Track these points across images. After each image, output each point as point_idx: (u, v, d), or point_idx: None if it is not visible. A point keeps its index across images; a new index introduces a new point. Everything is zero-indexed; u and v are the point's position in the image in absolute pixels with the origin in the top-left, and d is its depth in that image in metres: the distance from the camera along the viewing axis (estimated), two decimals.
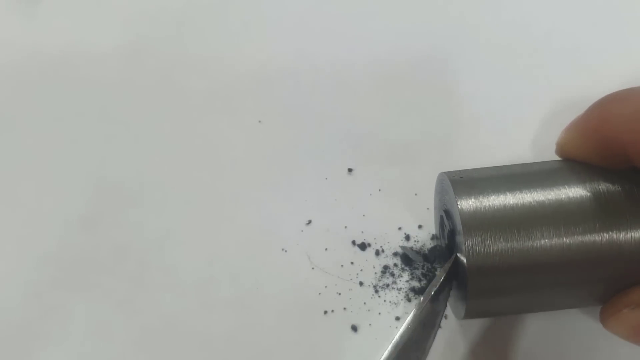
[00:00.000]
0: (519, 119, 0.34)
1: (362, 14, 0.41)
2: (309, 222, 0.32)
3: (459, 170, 0.26)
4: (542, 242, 0.22)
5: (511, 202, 0.22)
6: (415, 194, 0.33)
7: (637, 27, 0.37)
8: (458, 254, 0.24)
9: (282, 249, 0.32)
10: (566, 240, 0.22)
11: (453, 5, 0.40)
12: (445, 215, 0.26)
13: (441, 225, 0.28)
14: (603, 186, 0.22)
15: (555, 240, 0.22)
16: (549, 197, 0.22)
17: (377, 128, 0.36)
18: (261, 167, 0.35)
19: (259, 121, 0.37)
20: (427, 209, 0.32)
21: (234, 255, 0.32)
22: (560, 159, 0.26)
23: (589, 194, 0.22)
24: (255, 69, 0.39)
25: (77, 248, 0.33)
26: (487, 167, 0.25)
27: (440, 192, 0.27)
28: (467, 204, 0.23)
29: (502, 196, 0.23)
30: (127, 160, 0.36)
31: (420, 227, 0.31)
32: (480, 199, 0.23)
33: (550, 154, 0.26)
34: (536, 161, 0.25)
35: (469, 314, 0.24)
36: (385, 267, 0.30)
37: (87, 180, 0.35)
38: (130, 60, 0.41)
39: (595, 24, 0.38)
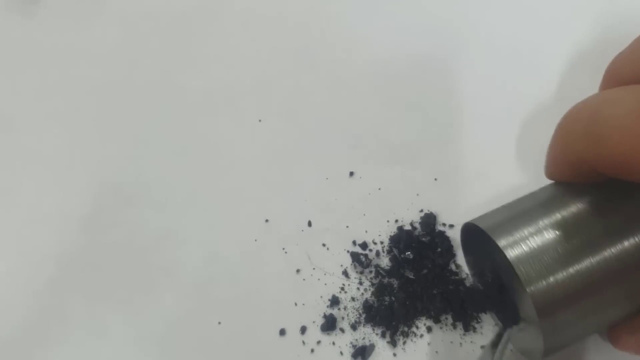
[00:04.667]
0: (519, 119, 0.34)
1: (362, 14, 0.41)
2: (309, 222, 0.32)
3: (478, 218, 0.25)
4: (589, 261, 0.22)
5: (548, 234, 0.22)
6: (417, 194, 0.33)
7: (637, 27, 0.37)
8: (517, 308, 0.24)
9: (282, 249, 0.32)
10: (606, 254, 0.22)
11: (453, 5, 0.40)
12: (486, 265, 0.26)
13: (479, 272, 0.27)
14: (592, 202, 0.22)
15: (597, 257, 0.22)
16: (568, 214, 0.22)
17: (377, 128, 0.36)
18: (261, 167, 0.35)
19: (259, 121, 0.37)
20: (428, 209, 0.32)
21: (234, 255, 0.32)
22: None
23: (588, 210, 0.22)
24: (255, 69, 0.39)
25: (77, 248, 0.33)
26: (502, 207, 0.25)
27: (472, 243, 0.27)
28: (513, 250, 0.22)
29: (539, 232, 0.22)
30: (127, 160, 0.36)
31: (420, 226, 0.31)
32: (520, 238, 0.22)
33: None
34: (537, 188, 0.25)
35: (549, 351, 0.23)
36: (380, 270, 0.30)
37: (87, 180, 0.35)
38: (130, 60, 0.41)
39: (596, 24, 0.38)
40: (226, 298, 0.30)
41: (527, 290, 0.21)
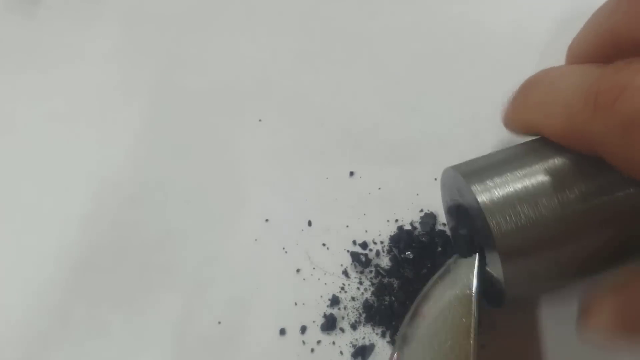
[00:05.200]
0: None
1: (362, 14, 0.41)
2: (309, 221, 0.32)
3: (458, 164, 0.26)
4: (560, 201, 0.22)
5: (520, 179, 0.23)
6: (417, 194, 0.33)
7: None
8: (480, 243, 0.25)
9: (283, 249, 0.32)
10: (572, 197, 0.22)
11: (453, 4, 0.40)
12: (458, 209, 0.26)
13: (454, 219, 0.28)
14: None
15: (569, 197, 0.22)
16: (545, 167, 0.23)
17: (377, 128, 0.36)
18: (261, 167, 0.35)
19: (259, 120, 0.37)
20: (428, 209, 0.32)
21: (234, 255, 0.32)
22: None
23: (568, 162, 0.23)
24: (255, 69, 0.39)
25: (77, 248, 0.33)
26: (479, 157, 0.26)
27: (449, 187, 0.27)
28: (480, 188, 0.23)
29: (508, 175, 0.23)
30: (127, 160, 0.36)
31: (419, 225, 0.31)
32: (491, 183, 0.23)
33: None
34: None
35: (510, 297, 0.24)
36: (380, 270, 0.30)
37: (87, 180, 0.35)
38: (130, 60, 0.41)
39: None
40: (226, 298, 0.30)
41: (493, 233, 0.22)
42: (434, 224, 0.31)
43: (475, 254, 0.25)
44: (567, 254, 0.23)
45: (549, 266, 0.23)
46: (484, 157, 0.26)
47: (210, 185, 0.34)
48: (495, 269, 0.23)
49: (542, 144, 0.24)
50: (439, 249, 0.30)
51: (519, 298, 0.25)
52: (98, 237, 0.33)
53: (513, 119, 0.26)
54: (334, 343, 0.29)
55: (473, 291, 0.24)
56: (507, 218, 0.22)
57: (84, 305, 0.31)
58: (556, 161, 0.23)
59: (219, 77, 0.39)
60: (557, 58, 0.36)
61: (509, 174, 0.23)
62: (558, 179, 0.22)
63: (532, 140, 0.25)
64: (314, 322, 0.29)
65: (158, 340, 0.30)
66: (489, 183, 0.23)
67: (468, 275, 0.25)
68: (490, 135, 0.34)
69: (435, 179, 0.33)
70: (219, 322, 0.30)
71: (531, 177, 0.23)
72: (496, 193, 0.23)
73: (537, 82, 0.25)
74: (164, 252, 0.32)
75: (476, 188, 0.23)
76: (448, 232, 0.31)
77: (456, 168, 0.25)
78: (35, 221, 0.34)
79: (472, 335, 0.23)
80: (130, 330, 0.30)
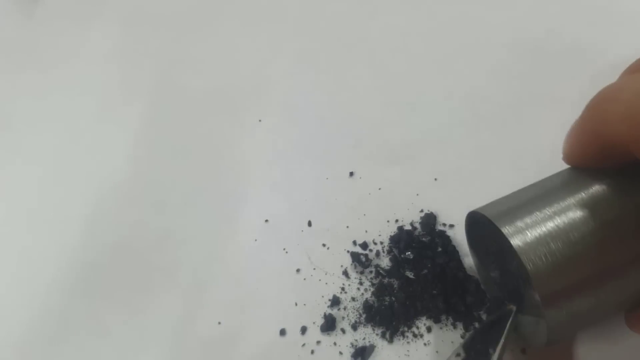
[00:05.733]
0: (519, 119, 0.34)
1: (362, 14, 0.41)
2: (310, 222, 0.32)
3: (485, 206, 0.25)
4: (592, 252, 0.21)
5: (553, 225, 0.22)
6: (417, 194, 0.33)
7: (637, 26, 0.37)
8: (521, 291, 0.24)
9: (283, 249, 0.32)
10: (611, 244, 0.21)
11: (454, 4, 0.40)
12: (493, 255, 0.26)
13: (485, 262, 0.27)
14: (618, 187, 0.22)
15: (601, 247, 0.21)
16: (573, 200, 0.22)
17: (377, 128, 0.36)
18: (261, 167, 0.35)
19: (259, 121, 0.37)
20: (428, 209, 0.32)
21: (234, 255, 0.32)
22: (568, 166, 0.25)
23: (605, 195, 0.22)
24: (255, 69, 0.39)
25: (77, 248, 0.33)
26: (509, 195, 0.25)
27: (475, 229, 0.27)
28: (512, 230, 0.22)
29: (537, 214, 0.22)
30: (128, 160, 0.36)
31: (419, 225, 0.31)
32: (525, 226, 0.22)
33: (550, 154, 0.26)
34: (547, 175, 0.25)
35: (552, 338, 0.23)
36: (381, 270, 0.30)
37: (87, 180, 0.35)
38: (130, 60, 0.41)
39: (596, 23, 0.38)
40: (226, 298, 0.30)
41: (532, 277, 0.21)
42: (434, 224, 0.31)
43: (511, 308, 0.24)
44: (608, 290, 0.22)
45: (590, 303, 0.22)
46: (508, 196, 0.25)
47: (210, 185, 0.34)
48: (535, 312, 0.22)
49: (571, 176, 0.23)
50: (439, 249, 0.30)
51: (562, 335, 0.24)
52: (98, 237, 0.33)
53: (589, 137, 0.23)
54: (334, 344, 0.29)
55: (500, 345, 0.24)
56: (544, 259, 0.21)
57: (84, 305, 0.31)
58: (588, 193, 0.22)
59: (219, 77, 0.39)
60: (558, 57, 0.37)
61: (538, 213, 0.22)
62: (591, 212, 0.21)
63: (559, 174, 0.24)
64: (314, 322, 0.29)
65: (158, 340, 0.30)
66: (520, 224, 0.22)
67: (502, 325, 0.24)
68: (490, 135, 0.34)
69: (435, 179, 0.33)
70: (219, 322, 0.30)
71: (561, 215, 0.21)
72: (529, 234, 0.21)
73: (620, 91, 0.22)
74: (164, 252, 0.32)
75: (507, 230, 0.22)
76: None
77: (483, 210, 0.24)
78: (35, 221, 0.34)
79: None
80: (130, 330, 0.30)
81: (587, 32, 0.37)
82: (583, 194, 0.22)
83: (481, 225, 0.25)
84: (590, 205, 0.22)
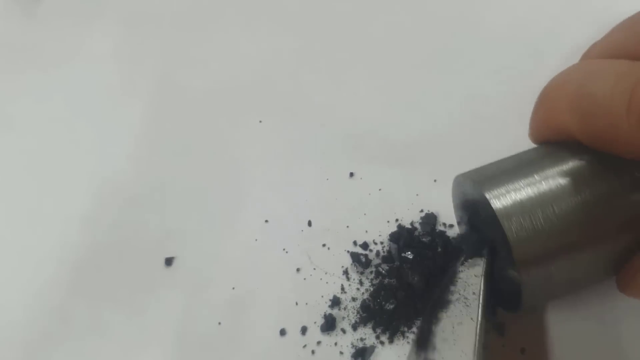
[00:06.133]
0: (519, 119, 0.34)
1: (361, 14, 0.41)
2: (310, 222, 0.32)
3: (470, 171, 0.25)
4: (577, 204, 0.22)
5: (533, 185, 0.22)
6: (417, 195, 0.33)
7: None
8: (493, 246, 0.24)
9: (283, 249, 0.32)
10: (591, 200, 0.22)
11: (453, 4, 0.40)
12: (471, 215, 0.26)
13: (467, 227, 0.27)
14: (587, 156, 0.23)
15: (582, 203, 0.22)
16: (559, 171, 0.23)
17: (377, 128, 0.36)
18: (261, 167, 0.35)
19: (259, 121, 0.37)
20: (428, 209, 0.32)
21: (234, 255, 0.32)
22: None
23: (583, 163, 0.22)
24: (256, 69, 0.39)
25: (77, 248, 0.33)
26: (491, 163, 0.26)
27: (461, 196, 0.27)
28: (494, 194, 0.22)
29: (522, 181, 0.23)
30: (127, 160, 0.36)
31: (420, 225, 0.31)
32: (505, 189, 0.23)
33: None
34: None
35: (528, 303, 0.24)
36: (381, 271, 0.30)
37: (87, 180, 0.35)
38: (130, 60, 0.41)
39: (595, 23, 0.38)
40: (226, 298, 0.30)
41: (509, 240, 0.21)
42: (434, 224, 0.31)
43: (483, 257, 0.25)
44: (585, 258, 0.22)
45: (567, 271, 0.22)
46: (495, 163, 0.25)
47: (210, 185, 0.34)
48: (513, 275, 0.23)
49: (556, 147, 0.24)
50: (439, 249, 0.30)
51: (537, 302, 0.25)
52: (98, 237, 0.33)
53: (540, 118, 0.24)
54: (335, 344, 0.29)
55: (480, 293, 0.24)
56: (523, 224, 0.21)
57: (84, 305, 0.31)
58: (572, 164, 0.22)
59: (219, 77, 0.39)
60: (557, 58, 0.37)
61: (523, 179, 0.23)
62: (574, 182, 0.22)
63: (545, 144, 0.25)
64: (314, 322, 0.29)
65: (158, 340, 0.30)
66: (503, 189, 0.22)
67: (476, 278, 0.25)
68: (490, 135, 0.34)
69: (435, 180, 0.33)
70: (219, 323, 0.30)
71: (546, 181, 0.22)
72: (510, 198, 0.22)
73: (566, 82, 0.23)
74: (164, 252, 0.32)
75: (490, 194, 0.22)
76: (454, 235, 0.31)
77: (467, 175, 0.25)
78: (35, 221, 0.34)
79: (476, 337, 0.23)
80: (130, 329, 0.30)
81: (587, 33, 0.37)
82: (564, 165, 0.23)
83: (466, 190, 0.26)
84: (572, 175, 0.22)
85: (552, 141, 0.24)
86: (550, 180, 0.22)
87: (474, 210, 0.26)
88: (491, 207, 0.22)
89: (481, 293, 0.24)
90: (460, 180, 0.26)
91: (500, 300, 0.26)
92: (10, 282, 0.32)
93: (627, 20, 0.24)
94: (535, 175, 0.23)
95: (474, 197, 0.24)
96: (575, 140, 0.23)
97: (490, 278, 0.25)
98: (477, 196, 0.24)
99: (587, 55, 0.25)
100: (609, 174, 0.22)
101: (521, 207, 0.22)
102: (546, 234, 0.21)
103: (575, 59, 0.36)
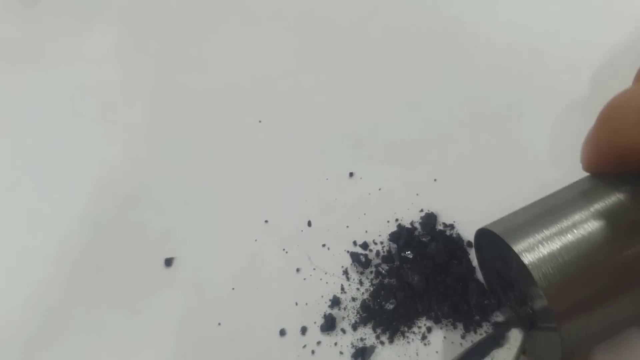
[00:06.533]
0: (519, 119, 0.34)
1: (361, 14, 0.41)
2: (309, 222, 0.32)
3: (497, 221, 0.24)
4: (609, 263, 0.21)
5: (566, 238, 0.21)
6: (417, 194, 0.33)
7: (636, 26, 0.37)
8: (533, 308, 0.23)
9: (283, 249, 0.32)
10: (629, 253, 0.21)
11: (454, 4, 0.40)
12: (502, 270, 0.25)
13: (498, 283, 0.27)
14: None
15: (618, 257, 0.21)
16: (595, 217, 0.22)
17: (377, 128, 0.36)
18: (261, 167, 0.35)
19: (259, 121, 0.37)
20: (428, 209, 0.32)
21: (234, 255, 0.32)
22: (587, 174, 0.25)
23: (627, 204, 0.21)
24: (255, 69, 0.39)
25: (77, 248, 0.33)
26: (521, 209, 0.24)
27: (485, 245, 0.26)
28: (530, 254, 0.21)
29: (555, 235, 0.22)
30: (127, 160, 0.36)
31: (419, 225, 0.31)
32: (538, 245, 0.21)
33: (550, 154, 0.26)
34: (564, 186, 0.25)
35: (567, 355, 0.22)
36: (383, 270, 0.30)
37: (87, 180, 0.35)
38: (130, 61, 0.41)
39: (595, 23, 0.38)
40: (226, 298, 0.30)
41: (544, 294, 0.20)
42: (434, 224, 0.31)
43: (523, 326, 0.24)
44: (622, 304, 0.21)
45: (605, 319, 0.22)
46: (518, 212, 0.24)
47: (210, 185, 0.34)
48: (549, 329, 0.22)
49: (585, 186, 0.23)
50: (439, 249, 0.30)
51: (577, 351, 0.23)
52: (98, 237, 0.33)
53: (604, 147, 0.23)
54: (336, 344, 0.29)
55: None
56: (556, 273, 0.21)
57: (84, 305, 0.31)
58: (602, 202, 0.22)
59: (218, 77, 0.39)
60: (557, 58, 0.37)
61: (550, 228, 0.22)
62: (604, 221, 0.21)
63: (563, 190, 0.24)
64: (314, 322, 0.29)
65: (158, 340, 0.30)
66: (531, 240, 0.21)
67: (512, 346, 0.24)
68: (490, 135, 0.34)
69: (435, 180, 0.33)
70: (219, 323, 0.30)
71: (572, 229, 0.21)
72: (541, 250, 0.21)
73: (630, 100, 0.22)
74: (164, 252, 0.32)
75: (518, 248, 0.21)
76: (451, 234, 0.31)
77: (493, 227, 0.24)
78: (35, 221, 0.34)
79: None
80: (130, 330, 0.30)
81: (587, 33, 0.37)
82: (596, 204, 0.22)
83: (490, 242, 0.25)
84: (603, 214, 0.21)
85: (608, 166, 0.23)
86: (574, 228, 0.21)
87: (498, 264, 0.25)
88: (521, 261, 0.21)
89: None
90: (486, 233, 0.24)
91: (537, 353, 0.25)
92: (10, 282, 0.32)
93: None
94: (560, 224, 0.21)
95: (500, 249, 0.23)
96: (601, 183, 0.22)
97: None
98: (505, 249, 0.22)
99: None
100: (635, 220, 0.21)
101: (552, 257, 0.21)
102: (581, 283, 0.21)
103: (576, 59, 0.36)
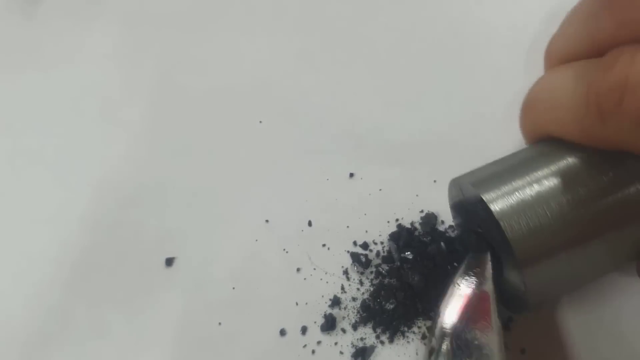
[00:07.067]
0: (518, 120, 0.34)
1: (361, 14, 0.41)
2: (310, 222, 0.32)
3: (464, 174, 0.26)
4: (572, 201, 0.22)
5: (530, 185, 0.23)
6: (417, 195, 0.33)
7: None
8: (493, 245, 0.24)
9: (283, 249, 0.32)
10: (595, 198, 0.22)
11: (453, 4, 0.40)
12: (469, 219, 0.26)
13: (465, 230, 0.28)
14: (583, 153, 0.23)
15: (581, 196, 0.22)
16: (554, 169, 0.23)
17: (377, 128, 0.36)
18: (261, 167, 0.35)
19: (259, 121, 0.37)
20: (428, 209, 0.32)
21: (234, 255, 0.32)
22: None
23: (580, 159, 0.23)
24: (255, 69, 0.39)
25: (77, 248, 0.33)
26: (484, 165, 0.26)
27: (457, 198, 0.27)
28: (492, 196, 0.23)
29: (518, 181, 0.23)
30: (128, 160, 0.36)
31: (420, 225, 0.31)
32: (501, 190, 0.23)
33: None
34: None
35: (532, 303, 0.23)
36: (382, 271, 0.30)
37: (88, 180, 0.35)
38: (130, 61, 0.41)
39: None
40: (226, 298, 0.30)
41: (510, 240, 0.22)
42: (434, 224, 0.31)
43: (487, 251, 0.25)
44: (586, 254, 0.22)
45: (569, 268, 0.22)
46: (488, 165, 0.25)
47: (210, 185, 0.34)
48: (515, 276, 0.23)
49: (549, 146, 0.24)
50: (440, 249, 0.30)
51: (540, 302, 0.25)
52: (98, 237, 0.33)
53: (527, 128, 0.26)
54: (336, 344, 0.29)
55: (491, 287, 0.24)
56: (522, 224, 0.22)
57: (84, 305, 0.31)
58: (565, 162, 0.23)
59: (219, 77, 0.39)
60: None
61: (518, 180, 0.23)
62: (568, 179, 0.22)
63: (539, 143, 0.25)
64: (315, 322, 0.29)
65: (158, 340, 0.30)
66: (499, 191, 0.23)
67: (485, 271, 0.25)
68: (490, 136, 0.34)
69: (435, 180, 0.33)
70: (219, 323, 0.30)
71: (541, 181, 0.22)
72: (508, 200, 0.22)
73: (540, 89, 0.25)
74: (164, 252, 0.32)
75: (487, 196, 0.23)
76: (452, 234, 0.31)
77: (463, 178, 0.25)
78: (35, 221, 0.34)
79: (495, 329, 0.23)
80: (130, 330, 0.30)
81: None
82: (558, 163, 0.23)
83: (462, 194, 0.26)
84: (566, 172, 0.22)
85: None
86: (545, 179, 0.22)
87: (471, 213, 0.26)
88: (489, 209, 0.22)
89: (492, 287, 0.24)
90: (456, 184, 0.26)
91: (505, 301, 0.26)
92: (10, 283, 0.32)
93: (576, 12, 0.25)
94: (531, 175, 0.23)
95: (470, 200, 0.24)
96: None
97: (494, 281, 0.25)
98: (474, 199, 0.24)
99: (548, 56, 0.27)
100: (600, 168, 0.22)
101: (519, 207, 0.22)
102: (546, 231, 0.22)
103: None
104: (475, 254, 0.26)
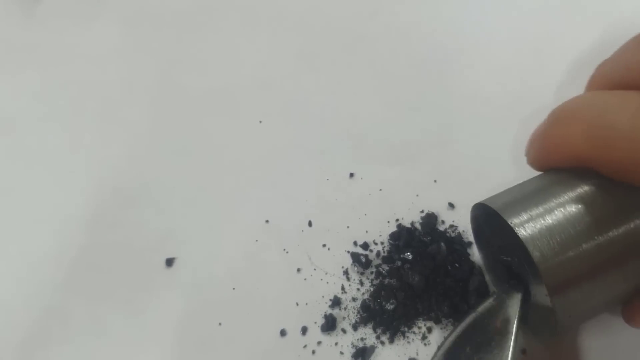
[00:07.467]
0: (519, 119, 0.34)
1: (361, 14, 0.41)
2: (310, 222, 0.32)
3: (487, 199, 0.25)
4: (598, 226, 0.22)
5: (553, 211, 0.22)
6: (417, 195, 0.33)
7: (636, 27, 0.37)
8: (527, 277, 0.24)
9: (283, 250, 0.32)
10: (618, 231, 0.22)
11: (454, 4, 0.40)
12: (491, 244, 0.26)
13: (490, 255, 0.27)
14: (594, 187, 0.22)
15: (606, 222, 0.22)
16: (573, 198, 0.22)
17: (377, 128, 0.36)
18: (261, 167, 0.35)
19: (259, 121, 0.37)
20: (428, 209, 0.32)
21: (235, 256, 0.32)
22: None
23: (592, 194, 0.22)
24: (256, 70, 0.39)
25: (77, 248, 0.33)
26: (506, 190, 0.25)
27: (480, 222, 0.27)
28: (518, 221, 0.22)
29: (541, 208, 0.22)
30: (127, 160, 0.36)
31: (420, 225, 0.31)
32: (531, 218, 0.22)
33: None
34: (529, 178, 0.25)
35: (561, 327, 0.23)
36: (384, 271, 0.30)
37: (87, 180, 0.35)
38: (130, 61, 0.41)
39: (595, 24, 0.38)
40: (226, 298, 0.30)
41: (539, 268, 0.21)
42: (434, 224, 0.31)
43: (519, 292, 0.25)
44: (613, 279, 0.22)
45: (598, 293, 0.22)
46: (510, 190, 0.25)
47: (210, 185, 0.34)
48: (543, 301, 0.23)
49: (565, 174, 0.23)
50: (440, 249, 0.30)
51: (569, 326, 0.24)
52: (98, 237, 0.33)
53: (551, 141, 0.24)
54: (336, 344, 0.29)
55: (514, 327, 0.24)
56: (550, 250, 0.21)
57: (84, 305, 0.31)
58: (586, 189, 0.22)
59: (219, 77, 0.39)
60: (557, 59, 0.37)
61: (542, 205, 0.22)
62: (591, 206, 0.22)
63: (552, 171, 0.24)
64: (315, 322, 0.29)
65: (158, 340, 0.30)
66: (525, 215, 0.22)
67: (510, 313, 0.24)
68: (490, 135, 0.34)
69: (435, 180, 0.33)
70: (219, 323, 0.30)
71: (565, 207, 0.22)
72: (535, 225, 0.22)
73: (582, 109, 0.23)
74: (164, 252, 0.32)
75: (514, 221, 0.22)
76: (452, 235, 0.31)
77: (489, 203, 0.24)
78: (35, 221, 0.34)
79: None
80: (130, 330, 0.30)
81: (587, 33, 0.37)
82: (578, 191, 0.23)
83: (486, 217, 0.25)
84: (588, 200, 0.22)
85: (556, 165, 0.24)
86: (568, 207, 0.22)
87: (493, 238, 0.25)
88: (517, 235, 0.22)
89: (513, 333, 0.24)
90: (481, 209, 0.25)
91: (531, 327, 0.26)
92: (10, 282, 0.32)
93: (634, 41, 0.24)
94: (554, 201, 0.22)
95: (495, 224, 0.24)
96: (583, 168, 0.22)
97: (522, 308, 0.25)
98: (501, 223, 0.23)
99: (597, 77, 0.25)
100: (623, 200, 0.22)
101: (545, 233, 0.22)
102: (572, 258, 0.21)
103: (576, 60, 0.36)
104: (503, 294, 0.25)
